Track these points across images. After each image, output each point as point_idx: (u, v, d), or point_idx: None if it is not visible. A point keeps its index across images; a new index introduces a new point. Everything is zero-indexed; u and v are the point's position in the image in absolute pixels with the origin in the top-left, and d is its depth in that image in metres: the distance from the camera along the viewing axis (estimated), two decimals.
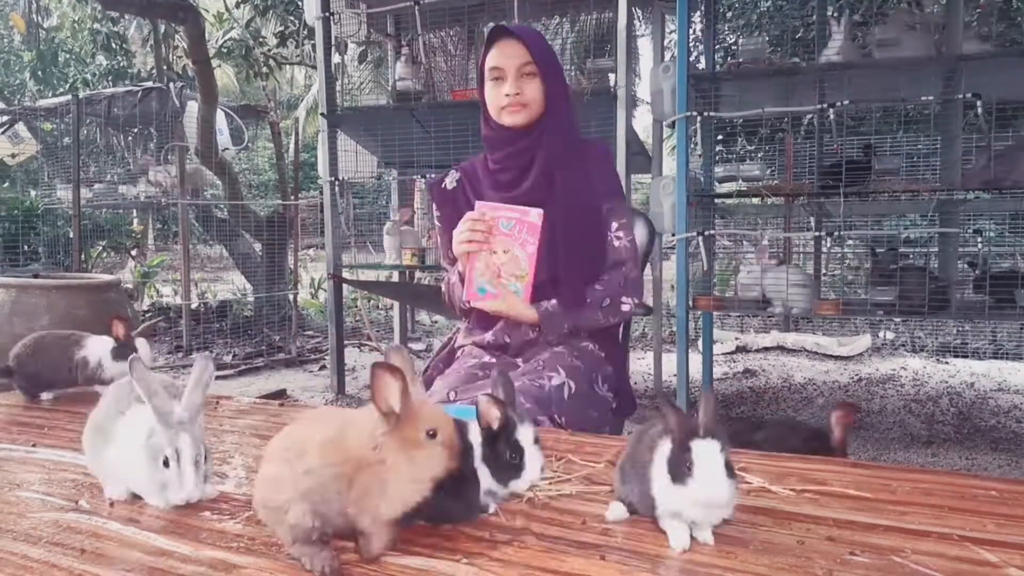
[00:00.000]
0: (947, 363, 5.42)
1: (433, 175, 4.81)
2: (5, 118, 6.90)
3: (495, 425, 0.88)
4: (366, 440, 0.77)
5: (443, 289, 1.89)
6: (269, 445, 0.83)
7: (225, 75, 12.35)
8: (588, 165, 1.73)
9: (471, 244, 1.61)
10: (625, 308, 1.71)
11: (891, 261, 3.41)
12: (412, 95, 4.16)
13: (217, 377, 5.05)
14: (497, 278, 1.64)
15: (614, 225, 1.73)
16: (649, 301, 3.28)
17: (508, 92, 1.65)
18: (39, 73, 9.02)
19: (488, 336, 1.76)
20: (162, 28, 7.88)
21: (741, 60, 3.81)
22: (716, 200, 4.03)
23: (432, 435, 0.75)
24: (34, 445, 1.22)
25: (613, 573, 0.75)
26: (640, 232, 1.96)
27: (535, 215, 1.59)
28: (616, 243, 1.73)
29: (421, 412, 0.75)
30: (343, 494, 0.76)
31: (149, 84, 6.76)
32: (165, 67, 8.08)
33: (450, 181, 1.83)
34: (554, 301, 1.67)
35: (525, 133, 1.69)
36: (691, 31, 3.97)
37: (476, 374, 1.65)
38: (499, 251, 1.62)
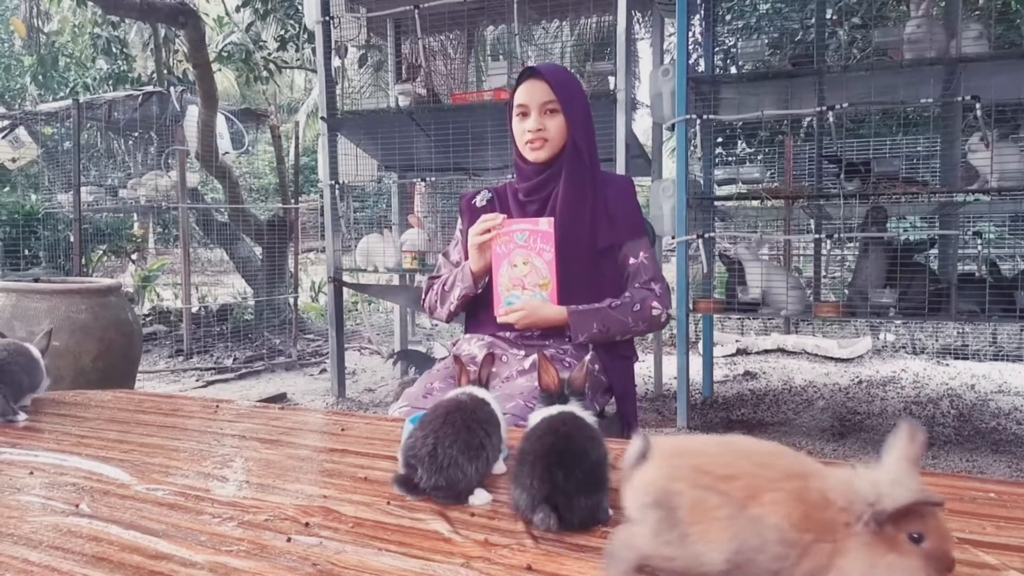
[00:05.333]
0: (948, 365, 5.42)
1: (433, 178, 4.82)
2: (6, 122, 6.91)
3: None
4: (839, 514, 0.61)
5: (426, 287, 1.95)
6: (679, 455, 0.68)
7: (225, 79, 12.38)
8: (609, 200, 1.79)
9: (486, 234, 1.71)
10: (656, 313, 1.74)
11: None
12: (412, 112, 4.15)
13: (217, 381, 5.06)
14: (522, 289, 1.70)
15: (641, 254, 1.79)
16: None
17: (530, 127, 1.75)
18: (40, 77, 9.04)
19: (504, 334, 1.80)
20: (162, 32, 7.90)
21: (741, 63, 3.82)
22: (716, 203, 4.03)
23: (916, 539, 0.60)
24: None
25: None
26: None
27: (545, 223, 1.69)
28: (645, 262, 1.79)
29: (914, 509, 0.60)
30: (787, 565, 0.60)
31: (149, 88, 6.78)
32: (165, 71, 8.10)
33: (480, 199, 1.91)
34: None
35: (547, 167, 1.78)
36: (690, 34, 3.98)
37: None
38: (519, 263, 1.70)
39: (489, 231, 1.71)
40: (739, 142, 8.04)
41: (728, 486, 0.62)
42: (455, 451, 0.94)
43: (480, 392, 1.04)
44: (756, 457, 0.65)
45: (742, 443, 0.68)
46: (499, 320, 1.74)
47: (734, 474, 0.63)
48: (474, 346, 1.77)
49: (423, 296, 1.95)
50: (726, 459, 0.65)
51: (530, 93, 1.75)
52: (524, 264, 1.70)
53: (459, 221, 1.97)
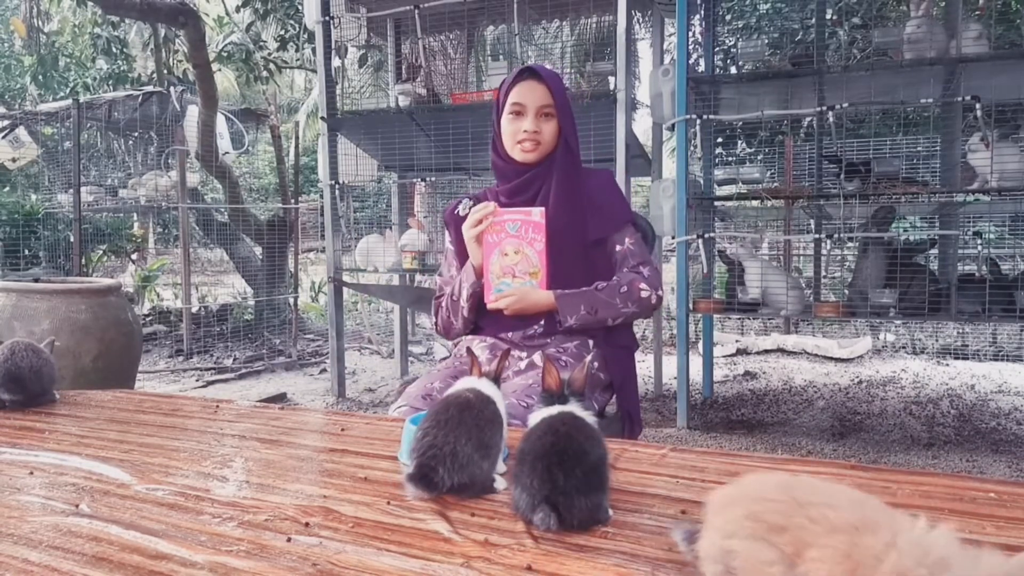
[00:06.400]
0: (948, 365, 5.41)
1: (433, 178, 4.82)
2: (6, 122, 6.91)
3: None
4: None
5: (434, 309, 1.92)
6: (733, 504, 0.64)
7: (225, 79, 12.37)
8: (594, 193, 1.80)
9: (480, 225, 1.72)
10: (645, 295, 1.74)
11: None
12: (412, 112, 4.15)
13: (217, 381, 5.06)
14: (512, 278, 1.72)
15: (627, 240, 1.80)
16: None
17: (527, 128, 1.74)
18: (40, 77, 9.03)
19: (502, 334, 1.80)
20: (162, 32, 7.89)
21: (741, 63, 3.82)
22: (716, 203, 4.03)
23: None
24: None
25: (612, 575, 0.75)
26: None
27: (537, 213, 1.69)
28: (631, 247, 1.80)
29: None
30: None
31: (150, 88, 6.78)
32: (165, 71, 8.09)
33: (463, 208, 1.91)
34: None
35: (530, 167, 1.79)
36: (690, 34, 3.98)
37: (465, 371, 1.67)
38: (510, 252, 1.72)
39: (482, 221, 1.72)
40: (739, 142, 8.04)
41: (778, 538, 0.58)
42: (470, 449, 0.96)
43: (486, 388, 1.05)
44: (813, 508, 0.59)
45: (809, 488, 0.62)
46: (489, 307, 1.75)
47: (785, 525, 0.59)
48: (476, 347, 1.77)
49: (433, 319, 1.93)
50: (782, 507, 0.60)
51: (529, 94, 1.75)
52: (515, 253, 1.71)
53: (447, 235, 1.96)
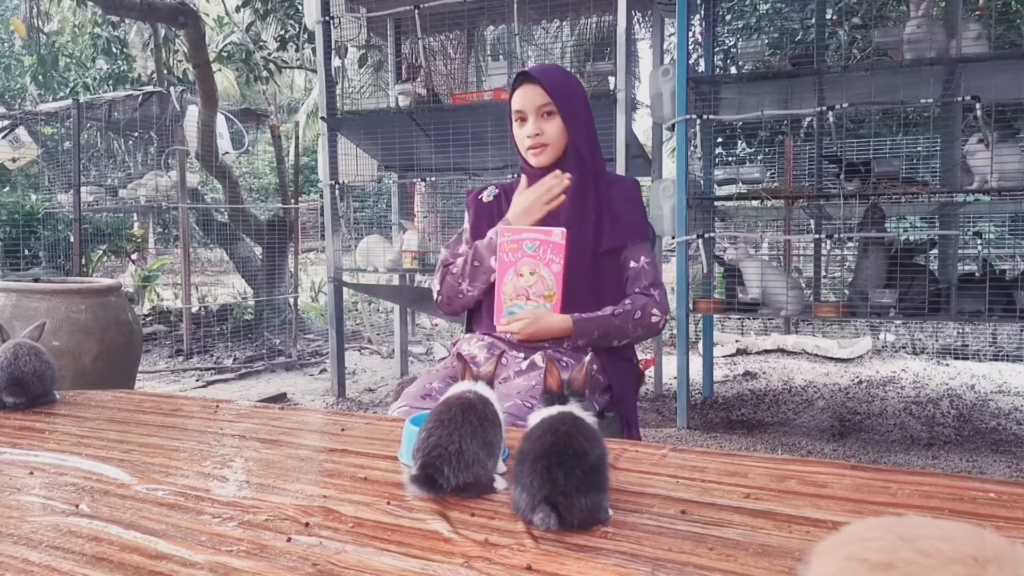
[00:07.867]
0: (948, 365, 5.41)
1: (433, 178, 4.82)
2: (6, 122, 6.91)
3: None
4: None
5: (440, 276, 1.88)
6: (831, 551, 0.59)
7: (225, 79, 12.38)
8: (614, 202, 1.79)
9: (554, 202, 1.72)
10: (655, 320, 1.74)
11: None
12: (412, 112, 4.15)
13: (217, 381, 5.06)
14: (526, 300, 1.69)
15: (641, 258, 1.79)
16: None
17: (529, 133, 1.74)
18: (40, 77, 9.03)
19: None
20: (162, 32, 7.89)
21: (741, 63, 3.82)
22: (716, 203, 4.03)
23: None
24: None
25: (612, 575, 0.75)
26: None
27: (558, 235, 1.66)
28: (646, 266, 1.79)
29: None
30: None
31: (150, 88, 6.78)
32: (165, 71, 8.09)
33: (487, 195, 1.91)
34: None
35: (548, 169, 1.78)
36: (690, 34, 3.98)
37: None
38: (525, 273, 1.68)
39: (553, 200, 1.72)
40: (739, 142, 8.04)
41: (884, 575, 0.54)
42: (476, 447, 0.96)
43: (483, 390, 1.05)
44: (922, 541, 0.55)
45: (914, 524, 0.58)
46: (499, 329, 1.72)
47: (890, 561, 0.54)
48: (475, 346, 1.77)
49: (437, 287, 1.87)
50: (883, 543, 0.56)
51: (525, 98, 1.74)
52: (531, 275, 1.68)
53: (466, 217, 1.95)
